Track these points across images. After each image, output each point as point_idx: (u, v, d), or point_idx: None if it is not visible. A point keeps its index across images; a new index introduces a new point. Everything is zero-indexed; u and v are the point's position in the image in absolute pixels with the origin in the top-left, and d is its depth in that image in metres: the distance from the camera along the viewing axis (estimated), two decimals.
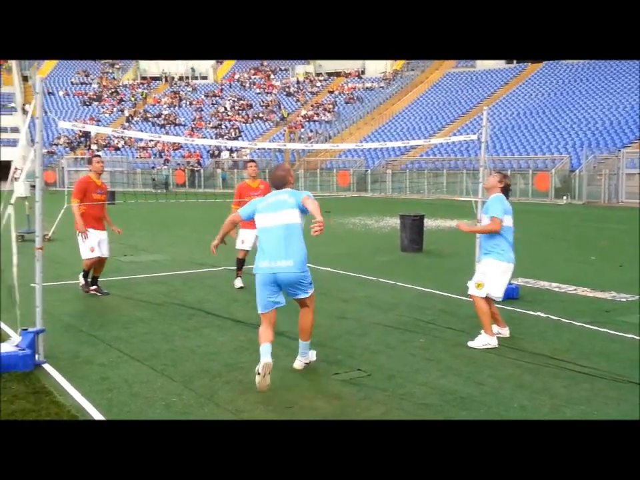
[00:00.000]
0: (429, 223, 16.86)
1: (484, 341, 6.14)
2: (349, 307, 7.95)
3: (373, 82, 57.06)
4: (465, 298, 8.32)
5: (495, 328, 6.45)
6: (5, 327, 6.60)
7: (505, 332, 6.47)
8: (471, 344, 6.16)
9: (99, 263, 8.41)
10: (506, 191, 6.55)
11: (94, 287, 8.44)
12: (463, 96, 48.59)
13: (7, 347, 5.44)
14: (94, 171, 8.43)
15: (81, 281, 8.54)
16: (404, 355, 5.90)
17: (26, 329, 5.48)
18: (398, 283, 9.42)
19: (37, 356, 5.46)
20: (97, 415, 4.38)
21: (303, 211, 5.19)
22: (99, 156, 8.67)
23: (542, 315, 7.36)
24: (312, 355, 5.63)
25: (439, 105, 48.74)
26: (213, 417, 4.41)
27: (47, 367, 5.41)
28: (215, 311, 7.50)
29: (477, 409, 4.58)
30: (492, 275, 6.29)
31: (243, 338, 6.45)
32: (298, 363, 5.52)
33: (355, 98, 55.45)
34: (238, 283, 8.97)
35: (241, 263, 9.03)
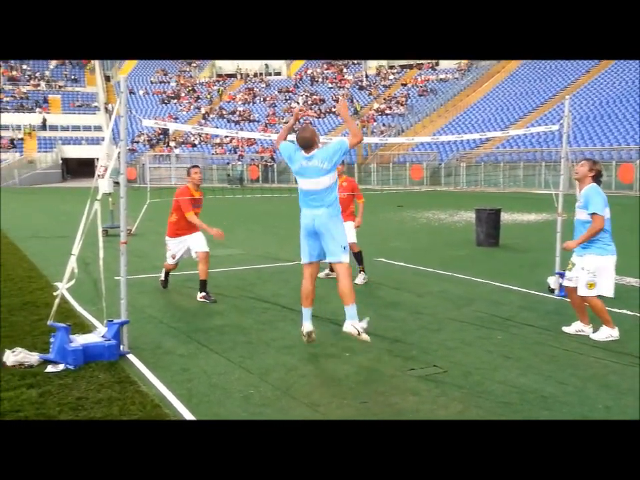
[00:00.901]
0: (505, 216, 16.46)
1: (606, 333, 6.08)
2: (424, 301, 7.87)
3: (447, 73, 56.12)
4: (544, 294, 8.09)
5: (579, 325, 6.28)
6: (91, 319, 6.89)
7: (588, 330, 6.25)
8: (594, 336, 6.11)
9: (200, 260, 7.95)
10: (598, 178, 6.29)
11: (203, 294, 7.93)
12: (542, 85, 47.05)
13: (94, 338, 5.68)
14: (192, 182, 8.05)
15: (161, 277, 8.62)
16: (481, 352, 5.79)
17: (111, 321, 5.70)
18: (473, 278, 9.24)
19: (121, 346, 5.67)
20: (178, 404, 4.50)
21: (337, 163, 5.65)
22: (197, 166, 8.28)
23: (628, 312, 7.06)
24: (363, 322, 5.66)
25: (516, 95, 47.41)
26: (290, 410, 4.46)
27: (130, 357, 5.61)
28: (289, 305, 7.58)
29: (559, 409, 4.44)
30: (601, 273, 6.07)
31: (318, 332, 6.47)
32: (346, 325, 5.64)
33: (429, 90, 54.70)
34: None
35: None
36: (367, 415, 4.36)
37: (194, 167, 8.25)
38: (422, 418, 4.29)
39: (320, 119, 56.13)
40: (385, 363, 5.51)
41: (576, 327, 6.31)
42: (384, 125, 51.30)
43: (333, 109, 56.60)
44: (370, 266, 9.54)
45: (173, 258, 8.20)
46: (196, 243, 8.03)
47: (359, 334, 5.57)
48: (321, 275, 9.48)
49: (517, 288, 8.54)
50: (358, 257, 9.00)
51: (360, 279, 8.92)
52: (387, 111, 53.97)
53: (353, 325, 5.59)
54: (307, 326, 5.84)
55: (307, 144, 5.65)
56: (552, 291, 8.10)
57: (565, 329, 6.35)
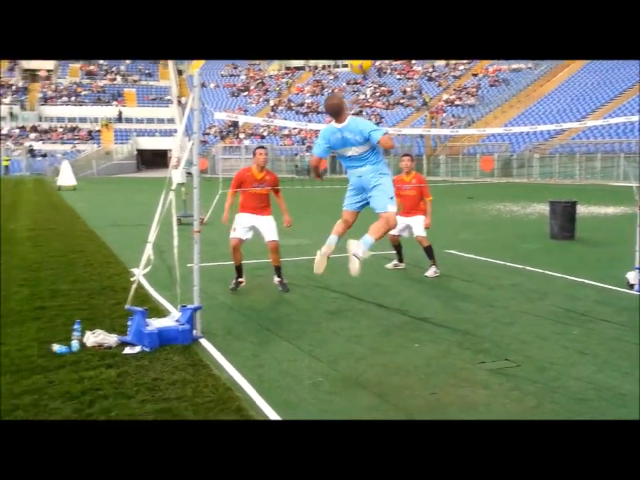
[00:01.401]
0: (581, 209, 15.92)
1: None
2: (496, 294, 7.71)
3: (520, 63, 54.59)
4: (622, 289, 7.79)
5: None
6: (165, 304, 7.10)
7: None
8: None
9: (270, 249, 7.85)
10: None
11: (278, 279, 7.94)
12: (619, 74, 45.10)
13: (168, 322, 5.86)
14: (256, 163, 7.82)
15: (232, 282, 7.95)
16: (556, 347, 5.63)
17: (185, 306, 5.85)
18: (547, 272, 8.99)
19: (194, 331, 5.81)
20: (249, 389, 4.59)
21: (365, 139, 5.62)
22: (263, 147, 8.08)
23: None
24: (368, 253, 5.57)
25: (592, 85, 45.70)
26: (359, 399, 4.47)
27: (203, 341, 5.74)
28: (358, 295, 7.58)
29: (637, 407, 4.27)
30: None
31: (387, 322, 6.47)
32: (353, 244, 5.51)
33: (501, 80, 53.43)
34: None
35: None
36: (436, 407, 4.32)
37: (259, 147, 8.04)
38: (493, 412, 4.22)
39: (388, 110, 55.72)
40: (455, 355, 5.43)
41: None
42: (453, 116, 50.46)
43: (401, 100, 56.11)
44: (440, 258, 9.42)
45: (234, 231, 7.77)
46: (267, 232, 7.84)
47: (358, 257, 5.49)
48: (389, 265, 9.46)
49: (593, 282, 8.25)
50: (428, 251, 8.92)
51: (431, 271, 8.82)
52: (457, 102, 53.03)
53: (361, 247, 5.50)
54: (323, 249, 5.78)
55: (335, 109, 5.69)
56: (631, 286, 7.79)
57: None
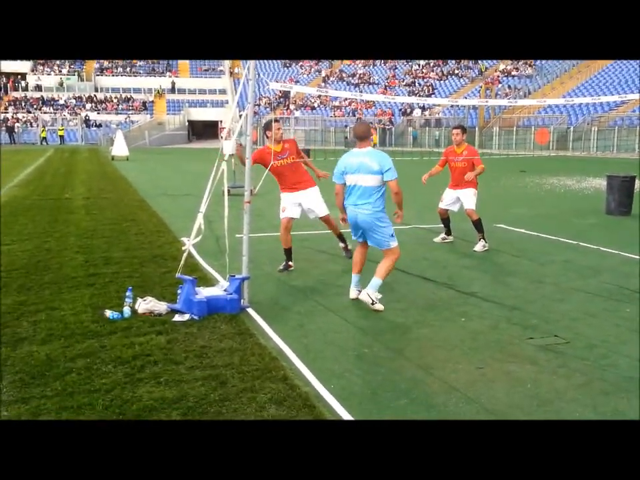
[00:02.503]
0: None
1: None
2: (547, 270, 7.56)
3: None
4: None
5: None
6: (214, 273, 7.21)
7: None
8: None
9: (325, 222, 7.81)
10: None
11: (342, 245, 8.11)
12: None
13: (217, 291, 5.95)
14: (274, 137, 7.29)
15: (280, 267, 7.57)
16: (607, 325, 5.50)
17: (233, 276, 5.93)
18: (602, 248, 8.75)
19: (242, 300, 5.90)
20: (294, 358, 4.64)
21: (382, 172, 5.87)
22: (277, 120, 7.70)
23: None
24: (377, 296, 5.88)
25: None
26: (403, 371, 4.47)
27: (250, 311, 5.83)
28: (405, 268, 7.53)
29: None
30: None
31: (433, 296, 6.43)
32: (363, 293, 5.91)
33: None
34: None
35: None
36: (482, 381, 4.29)
37: (275, 121, 7.46)
38: (541, 389, 4.17)
39: (441, 81, 54.66)
40: (502, 330, 5.37)
41: None
42: (509, 87, 49.15)
43: (456, 71, 54.95)
44: (490, 232, 9.27)
45: (283, 211, 7.54)
46: (316, 207, 7.67)
47: (372, 303, 5.82)
48: (437, 239, 9.36)
49: None
50: (477, 224, 8.77)
51: (479, 246, 8.70)
52: (513, 72, 51.60)
53: (369, 293, 5.82)
54: (352, 293, 6.25)
55: (365, 135, 6.03)
56: None
57: None
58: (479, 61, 54.43)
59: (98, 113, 59.85)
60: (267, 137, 7.51)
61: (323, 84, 57.91)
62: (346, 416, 3.76)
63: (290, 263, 7.63)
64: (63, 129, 56.18)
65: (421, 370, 4.51)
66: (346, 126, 50.51)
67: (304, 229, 9.54)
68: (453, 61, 56.07)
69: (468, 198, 8.82)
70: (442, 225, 9.34)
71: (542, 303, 6.16)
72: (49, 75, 64.10)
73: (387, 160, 5.91)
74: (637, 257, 8.20)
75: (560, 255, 8.45)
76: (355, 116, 52.23)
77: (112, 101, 61.99)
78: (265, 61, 65.03)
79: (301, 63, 63.94)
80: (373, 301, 5.82)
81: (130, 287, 5.90)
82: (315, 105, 56.69)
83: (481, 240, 8.74)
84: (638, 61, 44.11)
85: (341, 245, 8.24)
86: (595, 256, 8.37)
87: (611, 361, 4.65)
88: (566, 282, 6.96)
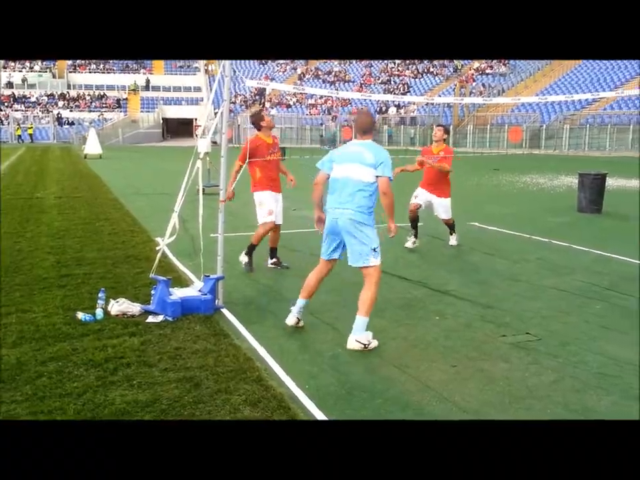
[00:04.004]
0: (610, 182, 15.61)
1: None
2: (520, 268, 7.64)
3: None
4: None
5: None
6: (189, 273, 7.16)
7: None
8: None
9: (275, 231, 7.49)
10: None
11: (273, 261, 7.62)
12: None
13: (191, 292, 5.91)
14: (267, 126, 7.30)
15: (244, 259, 7.46)
16: (579, 322, 5.58)
17: (208, 276, 5.90)
18: (573, 246, 8.88)
19: (216, 301, 5.86)
20: (270, 359, 4.63)
21: (375, 166, 4.94)
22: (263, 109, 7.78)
23: None
24: (367, 336, 4.91)
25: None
26: (378, 370, 4.49)
27: (225, 311, 5.79)
28: (384, 268, 7.54)
29: None
30: None
31: (408, 295, 6.46)
32: (350, 341, 4.90)
33: None
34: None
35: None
36: (456, 379, 4.33)
37: (262, 111, 7.43)
38: (512, 386, 4.21)
39: (417, 79, 54.93)
40: (476, 328, 5.42)
41: None
42: (483, 85, 49.56)
43: (431, 69, 55.25)
44: (463, 230, 9.35)
45: (270, 214, 7.24)
46: (279, 213, 7.44)
47: (366, 346, 4.88)
48: (408, 244, 8.88)
49: (620, 257, 8.13)
50: (452, 226, 8.88)
51: (453, 240, 8.83)
52: (488, 71, 52.05)
53: (358, 339, 4.87)
54: (290, 319, 5.34)
55: (364, 127, 5.14)
56: None
57: None
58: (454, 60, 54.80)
59: (70, 111, 59.05)
60: (259, 128, 7.29)
61: (298, 81, 57.84)
62: (321, 417, 3.76)
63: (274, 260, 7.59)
64: (32, 127, 55.30)
65: (396, 369, 4.53)
66: (321, 124, 50.50)
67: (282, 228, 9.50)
68: (427, 60, 56.40)
69: (445, 209, 8.75)
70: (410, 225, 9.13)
71: (515, 301, 6.23)
72: (20, 72, 63.06)
73: (384, 154, 5.01)
74: (607, 254, 8.33)
75: (533, 252, 8.55)
76: (330, 114, 52.26)
77: (85, 99, 61.21)
78: None
79: (277, 61, 63.74)
80: (365, 345, 4.88)
81: (102, 288, 5.83)
82: (291, 102, 56.61)
83: (453, 234, 8.88)
84: (610, 60, 44.79)
85: (271, 260, 7.62)
86: (567, 253, 8.49)
87: (582, 358, 4.72)
88: (538, 280, 7.04)
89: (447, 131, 9.09)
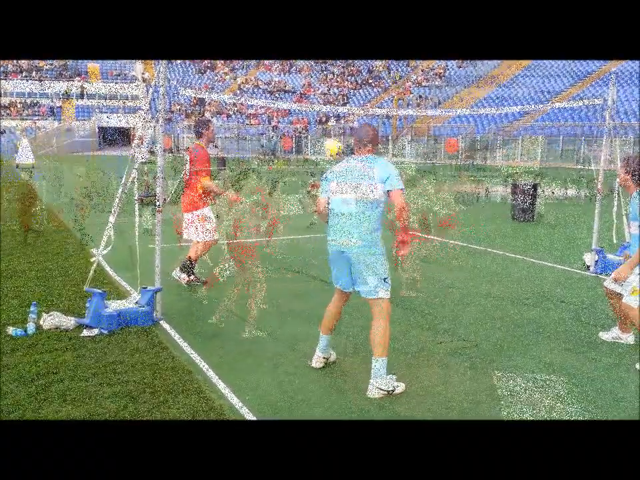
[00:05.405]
0: (542, 192, 16.16)
1: (615, 335, 5.43)
2: (456, 276, 7.81)
3: None
4: (580, 271, 7.96)
5: (616, 331, 5.45)
6: (125, 285, 7.00)
7: (628, 339, 5.40)
8: (603, 336, 5.47)
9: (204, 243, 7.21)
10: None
11: (186, 277, 7.18)
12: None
13: (128, 304, 5.78)
14: (209, 137, 7.12)
15: (183, 276, 7.12)
16: (513, 327, 5.74)
17: (145, 288, 5.78)
18: (508, 254, 9.14)
19: (154, 313, 5.75)
20: (209, 371, 4.57)
21: (382, 181, 4.32)
22: (210, 121, 7.29)
23: None
24: (390, 381, 4.33)
25: (558, 68, 46.17)
26: (319, 379, 4.50)
27: (163, 323, 5.69)
28: (320, 276, 7.58)
29: (588, 385, 4.40)
30: None
31: (347, 304, 6.48)
32: (371, 389, 4.31)
33: (469, 62, 53.61)
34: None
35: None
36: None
37: (208, 120, 7.16)
38: (450, 391, 4.29)
39: (356, 90, 55.57)
40: (414, 336, 5.50)
41: (613, 334, 5.47)
42: (420, 96, 50.57)
43: (370, 81, 55.99)
44: None
45: (216, 231, 7.13)
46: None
47: (390, 392, 4.29)
48: None
49: (551, 264, 8.41)
50: None
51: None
52: (424, 83, 53.16)
53: (379, 387, 4.28)
54: (316, 361, 4.76)
55: (364, 139, 4.50)
56: (587, 267, 7.97)
57: (602, 335, 5.50)
58: (392, 71, 55.74)
59: (1, 119, 56.98)
60: (200, 135, 7.06)
61: (238, 91, 57.60)
62: None
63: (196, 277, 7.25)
64: None
65: (338, 378, 4.54)
66: (262, 134, 50.39)
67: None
68: (366, 71, 57.15)
69: None
70: None
71: (451, 308, 6.35)
72: None
73: (390, 166, 4.40)
74: (540, 261, 8.60)
75: (469, 260, 8.75)
76: (270, 124, 52.24)
77: (16, 106, 59.20)
78: (179, 66, 64.01)
79: (216, 70, 63.34)
80: (388, 391, 4.28)
81: (34, 302, 5.64)
82: (231, 112, 56.31)
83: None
84: (541, 73, 46.51)
85: (182, 276, 7.14)
86: (501, 261, 8.73)
87: (516, 362, 4.85)
88: (474, 287, 7.21)
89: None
